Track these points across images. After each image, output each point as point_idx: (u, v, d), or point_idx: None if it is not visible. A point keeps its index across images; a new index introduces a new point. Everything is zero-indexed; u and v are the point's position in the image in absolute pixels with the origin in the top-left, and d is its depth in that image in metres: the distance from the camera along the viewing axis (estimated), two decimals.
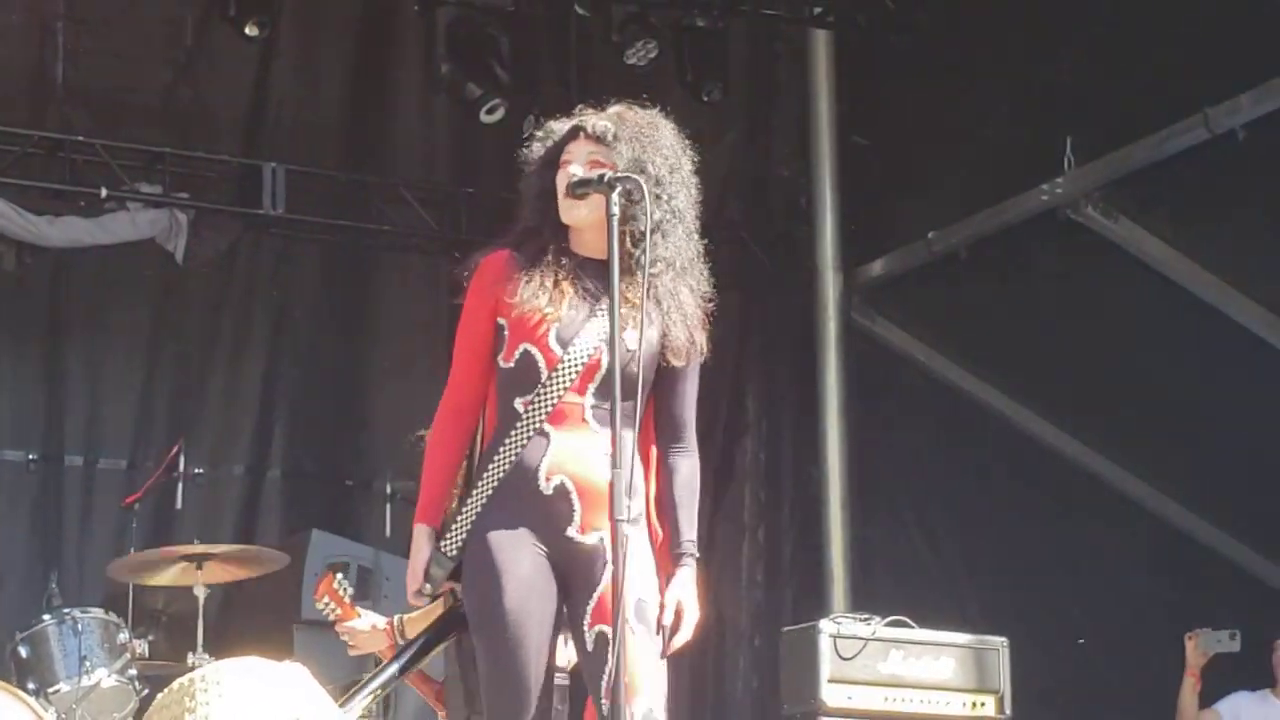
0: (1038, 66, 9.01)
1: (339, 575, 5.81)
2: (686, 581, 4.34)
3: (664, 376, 4.41)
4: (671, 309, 4.35)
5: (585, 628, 4.28)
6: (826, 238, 10.21)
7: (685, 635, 4.33)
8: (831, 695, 7.21)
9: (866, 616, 7.40)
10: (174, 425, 9.35)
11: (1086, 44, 8.79)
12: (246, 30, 9.04)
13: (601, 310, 4.28)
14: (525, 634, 4.27)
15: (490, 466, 4.35)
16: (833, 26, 10.08)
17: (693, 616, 4.33)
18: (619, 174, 4.28)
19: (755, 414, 10.37)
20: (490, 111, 9.27)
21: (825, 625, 7.32)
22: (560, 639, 4.62)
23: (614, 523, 4.10)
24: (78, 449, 9.28)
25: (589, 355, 4.30)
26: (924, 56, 9.63)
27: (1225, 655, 7.98)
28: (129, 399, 9.42)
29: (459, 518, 4.37)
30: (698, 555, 4.38)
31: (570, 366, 4.31)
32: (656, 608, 4.30)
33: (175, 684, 2.59)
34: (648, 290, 4.26)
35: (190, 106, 9.49)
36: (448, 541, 4.38)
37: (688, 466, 4.44)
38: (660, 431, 4.43)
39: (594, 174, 4.34)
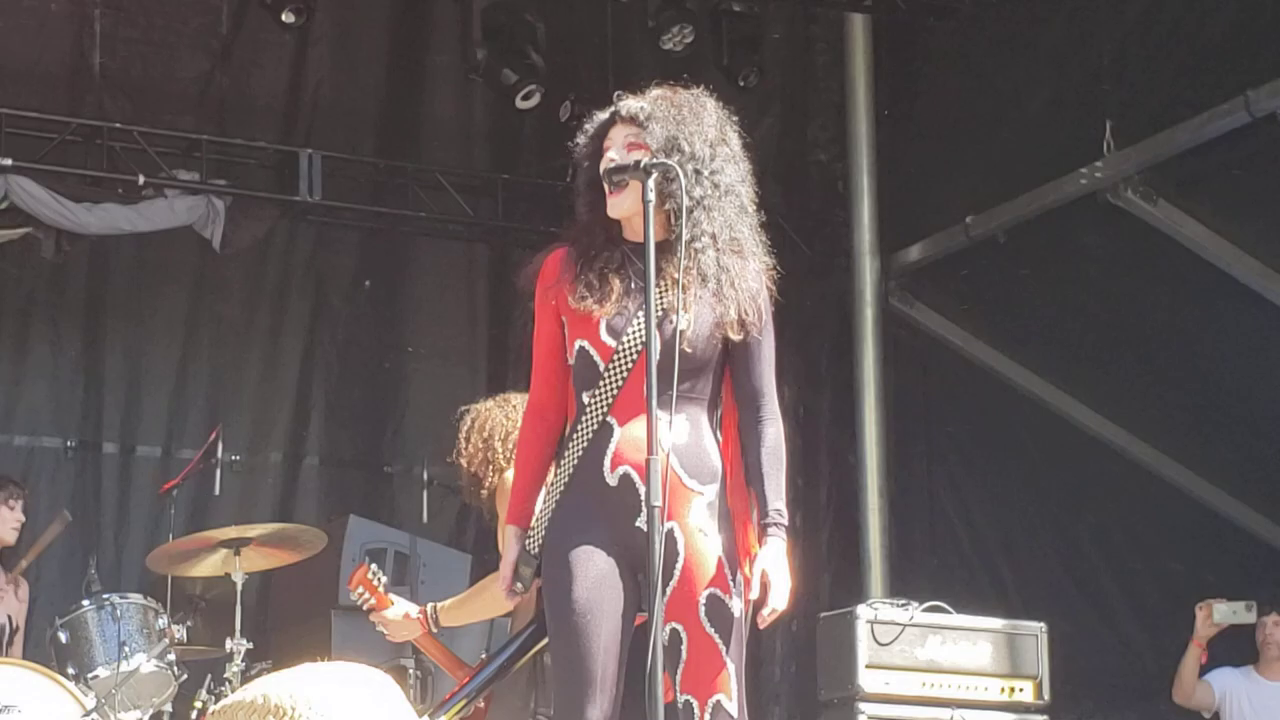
0: (1077, 50, 8.96)
1: (373, 565, 5.85)
2: (775, 552, 4.31)
3: (732, 351, 4.39)
4: (723, 285, 4.33)
5: (660, 624, 4.22)
6: (864, 222, 10.17)
7: (779, 605, 4.29)
8: (869, 681, 7.20)
9: (904, 602, 7.38)
10: (211, 412, 9.38)
11: (1126, 27, 8.74)
12: (283, 17, 9.03)
13: (654, 295, 4.27)
14: (595, 628, 4.27)
15: (562, 462, 4.38)
16: (870, 10, 10.02)
17: (783, 586, 4.29)
18: (652, 160, 4.28)
19: (792, 399, 10.31)
20: (526, 97, 9.26)
21: (863, 611, 7.30)
22: None
23: (650, 509, 4.10)
24: (115, 436, 9.31)
25: (642, 341, 4.29)
26: (962, 40, 9.59)
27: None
28: (166, 386, 9.45)
29: (538, 515, 4.39)
30: (786, 524, 4.35)
31: (625, 355, 4.32)
32: (732, 604, 4.28)
33: (243, 700, 2.23)
34: (684, 268, 4.25)
35: (227, 93, 9.50)
36: (531, 539, 4.40)
37: (772, 433, 4.40)
38: (740, 404, 4.42)
39: (629, 160, 4.34)
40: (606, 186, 4.36)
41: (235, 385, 9.56)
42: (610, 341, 4.33)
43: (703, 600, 4.25)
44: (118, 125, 9.04)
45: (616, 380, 4.32)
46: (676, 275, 4.25)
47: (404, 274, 10.01)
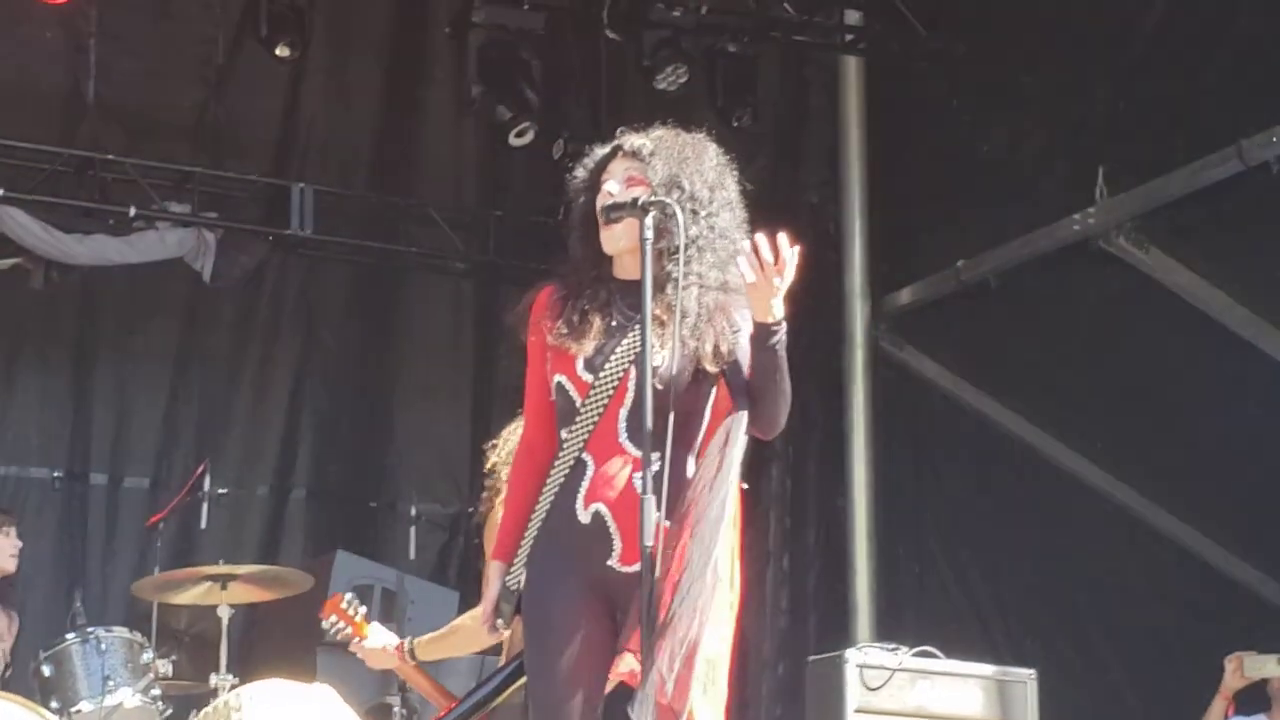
0: (1071, 96, 8.98)
1: (348, 595, 5.80)
2: None
3: (725, 375, 4.31)
4: (700, 321, 4.28)
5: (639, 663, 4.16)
6: (855, 265, 10.17)
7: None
8: None
9: (894, 646, 7.34)
10: (199, 444, 9.36)
11: (1120, 74, 8.76)
12: (277, 51, 9.04)
13: (633, 331, 4.27)
14: (572, 672, 4.24)
15: (540, 500, 4.35)
16: (864, 53, 10.05)
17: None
18: (651, 198, 4.27)
19: (781, 441, 10.31)
20: (520, 134, 9.26)
21: (852, 655, 7.27)
22: None
23: (643, 549, 4.05)
24: (103, 467, 9.28)
25: (618, 378, 4.28)
26: (956, 84, 9.61)
27: None
28: (155, 417, 9.43)
29: (518, 553, 4.36)
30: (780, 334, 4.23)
31: (601, 391, 4.29)
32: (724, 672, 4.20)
33: (207, 708, 2.64)
34: (667, 306, 4.22)
35: (220, 126, 9.50)
36: (511, 575, 4.38)
37: None
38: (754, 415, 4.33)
39: (627, 197, 4.32)
40: (601, 220, 4.35)
41: (224, 418, 9.54)
42: (587, 377, 4.30)
43: (701, 666, 4.14)
44: (110, 156, 9.04)
45: (592, 416, 4.29)
46: (658, 312, 4.23)
47: (394, 309, 10.00)
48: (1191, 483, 8.76)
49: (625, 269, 4.37)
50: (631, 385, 4.26)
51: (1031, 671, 7.41)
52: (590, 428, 4.29)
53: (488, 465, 5.71)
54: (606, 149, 4.44)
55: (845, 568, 9.93)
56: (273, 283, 9.70)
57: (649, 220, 4.24)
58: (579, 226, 4.44)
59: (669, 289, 4.23)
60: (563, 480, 4.31)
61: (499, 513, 5.02)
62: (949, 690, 7.26)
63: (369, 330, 9.93)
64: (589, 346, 4.31)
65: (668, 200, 4.26)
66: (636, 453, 4.22)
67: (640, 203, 4.27)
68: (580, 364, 4.31)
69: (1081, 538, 9.20)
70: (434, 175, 10.01)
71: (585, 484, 4.28)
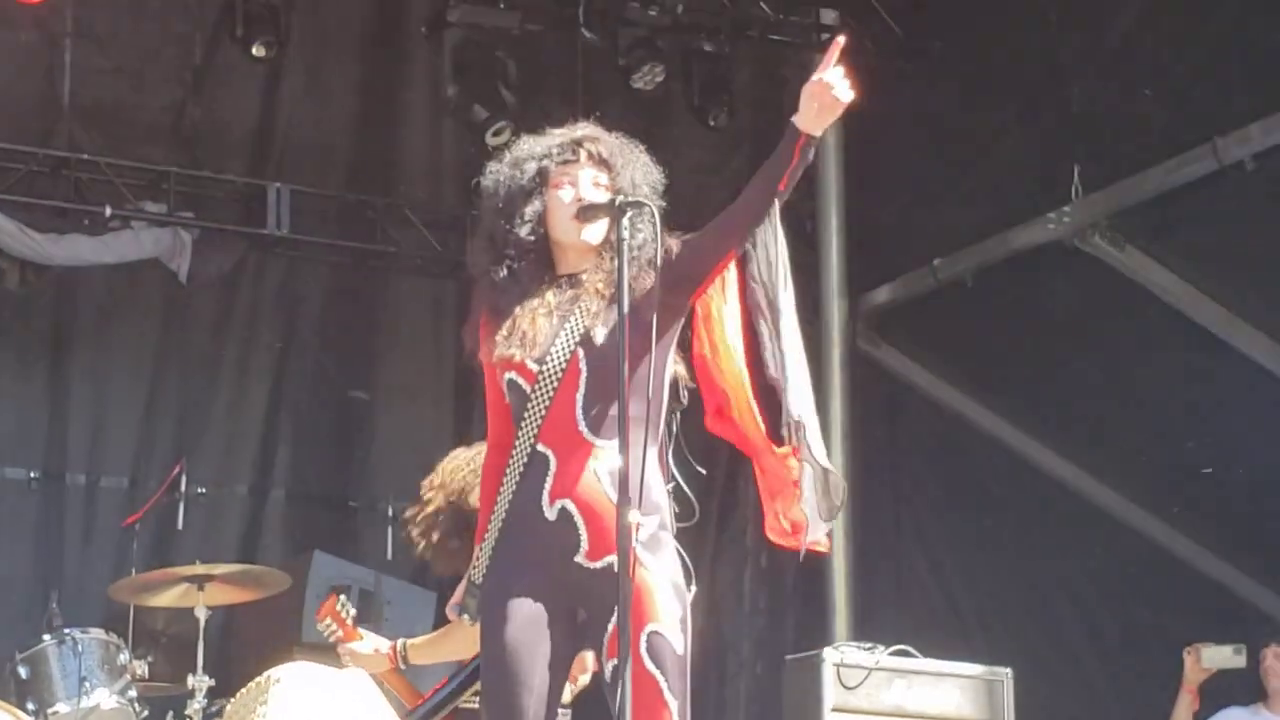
0: (1047, 94, 9.01)
1: (342, 597, 5.78)
2: None
3: (674, 268, 4.30)
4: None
5: (604, 659, 4.18)
6: (832, 263, 10.19)
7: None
8: None
9: (870, 645, 7.37)
10: (177, 444, 9.32)
11: (1096, 72, 8.79)
12: (254, 50, 9.04)
13: (573, 316, 4.28)
14: (524, 669, 4.19)
15: (500, 496, 4.31)
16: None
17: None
18: (629, 199, 4.31)
19: None
20: (497, 134, 9.25)
21: (829, 654, 7.30)
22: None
23: (621, 553, 3.99)
24: (80, 467, 9.24)
25: (566, 359, 4.25)
26: (932, 82, 9.63)
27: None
28: (132, 418, 9.39)
29: (481, 548, 4.35)
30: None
31: (549, 376, 4.25)
32: (675, 641, 4.17)
33: (250, 684, 2.72)
34: (623, 294, 4.16)
35: (196, 126, 9.46)
36: (475, 570, 4.36)
37: None
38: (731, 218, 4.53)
39: (603, 199, 4.35)
40: (579, 218, 4.36)
41: (202, 418, 9.50)
42: (533, 366, 4.26)
43: (644, 636, 4.13)
44: (85, 156, 9.00)
45: (542, 403, 4.25)
46: (600, 286, 4.29)
47: (372, 309, 9.98)
48: (1167, 480, 8.80)
49: (568, 264, 4.39)
50: (583, 366, 4.24)
51: (1008, 670, 7.44)
52: (542, 415, 4.24)
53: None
54: (552, 145, 4.46)
55: (823, 567, 9.93)
56: (250, 283, 9.67)
57: (625, 220, 4.26)
58: (530, 219, 4.38)
59: (607, 259, 4.28)
60: (521, 475, 4.26)
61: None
62: (926, 689, 7.29)
63: (346, 330, 9.91)
64: (540, 339, 4.28)
65: (646, 202, 4.30)
66: (598, 441, 4.21)
67: (618, 203, 4.30)
68: (530, 357, 4.29)
69: (1057, 535, 9.24)
70: (411, 175, 9.99)
71: (549, 480, 4.22)
